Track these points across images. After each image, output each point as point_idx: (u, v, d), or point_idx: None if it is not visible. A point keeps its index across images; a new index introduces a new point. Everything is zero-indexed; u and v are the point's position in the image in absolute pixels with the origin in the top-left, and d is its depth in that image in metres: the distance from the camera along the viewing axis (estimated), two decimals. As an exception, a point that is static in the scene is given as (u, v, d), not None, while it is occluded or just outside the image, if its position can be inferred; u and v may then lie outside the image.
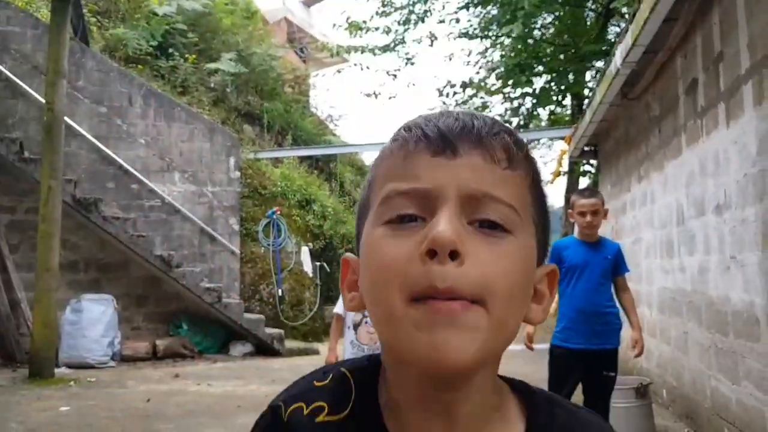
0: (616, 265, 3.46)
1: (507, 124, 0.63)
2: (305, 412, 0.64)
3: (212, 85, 11.69)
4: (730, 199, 3.54)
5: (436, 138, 0.58)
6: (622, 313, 3.57)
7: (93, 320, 7.63)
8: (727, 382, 3.66)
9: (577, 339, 3.36)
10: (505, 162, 0.58)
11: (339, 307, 3.52)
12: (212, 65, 11.70)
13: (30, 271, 7.56)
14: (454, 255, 0.54)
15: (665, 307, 5.03)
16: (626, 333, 3.60)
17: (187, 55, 11.26)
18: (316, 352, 9.21)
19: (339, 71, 13.82)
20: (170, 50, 11.29)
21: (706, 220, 3.96)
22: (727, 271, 3.61)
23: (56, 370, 6.83)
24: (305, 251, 10.67)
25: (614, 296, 3.48)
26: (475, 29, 12.79)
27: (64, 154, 7.30)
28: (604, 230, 7.84)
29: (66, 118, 7.33)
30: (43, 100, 7.35)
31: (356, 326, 3.43)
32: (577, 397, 3.52)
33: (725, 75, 3.55)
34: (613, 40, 8.31)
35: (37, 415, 5.05)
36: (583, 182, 15.07)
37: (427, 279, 0.53)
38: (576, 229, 3.68)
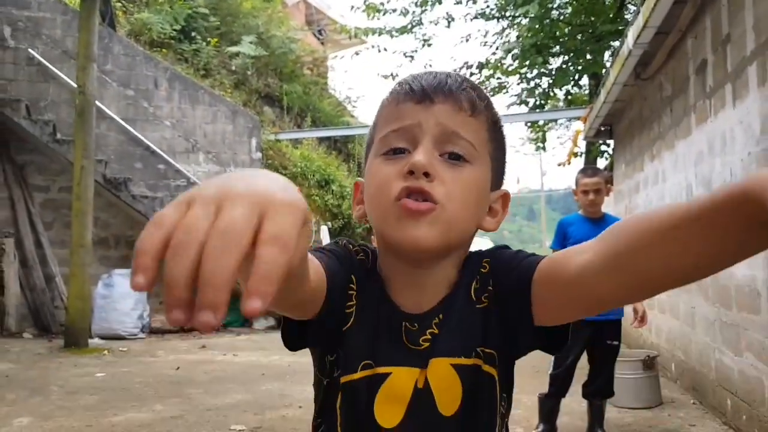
0: None
1: (473, 81, 0.86)
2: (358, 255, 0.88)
3: (233, 68, 11.92)
4: (736, 178, 3.67)
5: (419, 91, 0.80)
6: None
7: (123, 294, 7.99)
8: (730, 354, 3.82)
9: None
10: (469, 110, 0.80)
11: None
12: (233, 48, 11.92)
13: (63, 247, 7.93)
14: (426, 175, 0.76)
15: (674, 283, 5.19)
16: (629, 307, 3.75)
17: (209, 39, 11.48)
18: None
19: (357, 53, 13.92)
20: (193, 34, 11.52)
21: (713, 198, 4.09)
22: (731, 247, 3.76)
23: (90, 341, 7.21)
24: (324, 230, 10.93)
25: None
26: (492, 10, 12.80)
27: (95, 137, 7.60)
28: (619, 209, 7.96)
29: (96, 102, 7.62)
30: (74, 84, 7.64)
31: None
32: (582, 367, 3.72)
33: (732, 56, 3.67)
34: (629, 19, 8.31)
35: (75, 380, 5.39)
36: (601, 162, 15.10)
37: (405, 186, 0.77)
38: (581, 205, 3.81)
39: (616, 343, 3.61)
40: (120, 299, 7.99)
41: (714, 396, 4.16)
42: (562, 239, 3.60)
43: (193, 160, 9.78)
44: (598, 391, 3.68)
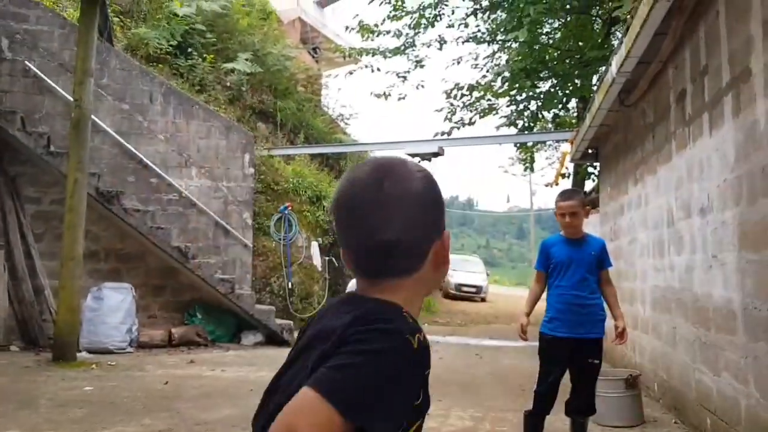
0: (600, 260, 3.66)
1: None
2: (422, 338, 0.95)
3: (228, 83, 12.04)
4: (712, 203, 3.82)
5: None
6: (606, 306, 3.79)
7: (113, 308, 8.00)
8: (710, 374, 3.93)
9: (562, 329, 3.59)
10: None
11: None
12: (229, 65, 12.05)
13: (53, 259, 7.95)
14: None
15: (657, 304, 5.31)
16: (611, 323, 3.84)
17: (205, 55, 11.62)
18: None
19: (351, 72, 14.10)
20: (189, 50, 11.65)
21: (692, 222, 4.24)
22: (709, 270, 3.89)
23: (78, 355, 7.20)
24: (315, 246, 11.01)
25: (597, 286, 3.67)
26: (483, 34, 13.06)
27: (88, 149, 7.66)
28: (604, 230, 8.11)
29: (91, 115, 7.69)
30: (69, 97, 7.73)
31: None
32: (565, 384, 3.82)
33: (709, 87, 3.83)
34: (615, 46, 8.54)
35: (64, 393, 5.41)
36: (588, 184, 15.30)
37: None
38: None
39: (596, 361, 3.65)
40: (109, 313, 7.99)
41: (695, 415, 4.26)
42: (546, 260, 3.71)
43: (186, 174, 9.85)
44: (580, 408, 3.74)
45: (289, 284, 10.47)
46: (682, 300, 4.54)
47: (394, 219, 0.98)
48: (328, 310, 1.09)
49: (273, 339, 9.19)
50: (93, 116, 8.35)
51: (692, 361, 4.29)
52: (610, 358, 7.61)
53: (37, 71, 8.80)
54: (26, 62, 8.76)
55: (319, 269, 11.01)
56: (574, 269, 3.58)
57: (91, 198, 8.01)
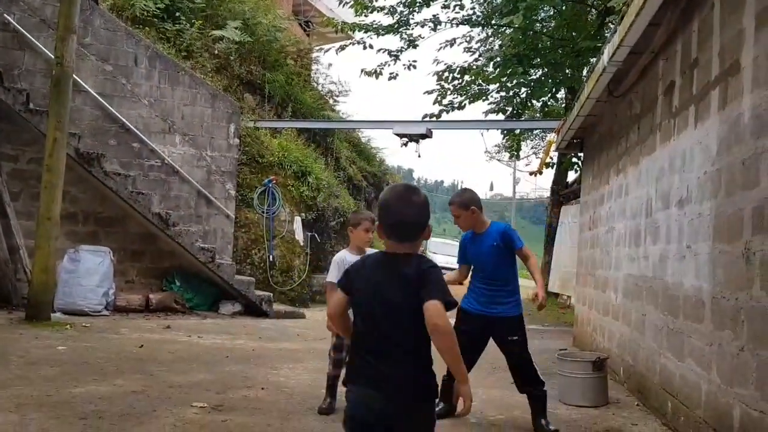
0: (507, 244, 3.92)
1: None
2: None
3: (216, 51, 11.86)
4: (691, 195, 3.89)
5: None
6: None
7: (90, 270, 7.94)
8: (674, 359, 4.04)
9: (475, 306, 3.98)
10: None
11: (332, 276, 3.79)
12: (217, 32, 11.86)
13: (29, 219, 7.84)
14: None
15: (629, 292, 5.42)
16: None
17: (193, 20, 11.41)
18: (302, 316, 9.59)
19: (343, 47, 13.95)
20: (177, 14, 11.43)
21: (670, 213, 4.31)
22: (682, 260, 3.98)
23: (52, 315, 7.14)
24: (298, 221, 11.00)
25: (510, 272, 4.00)
26: (478, 16, 13.00)
27: (69, 109, 7.52)
28: (584, 219, 8.22)
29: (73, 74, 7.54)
30: (51, 54, 7.55)
31: None
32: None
33: (698, 79, 3.88)
34: (608, 37, 8.56)
35: (36, 351, 5.38)
36: (571, 175, 15.44)
37: None
38: None
39: (516, 338, 3.90)
40: (85, 275, 7.93)
41: (656, 398, 4.39)
42: (463, 255, 4.14)
43: (169, 141, 9.74)
44: (525, 382, 3.98)
45: (271, 257, 10.46)
46: (653, 288, 4.63)
47: (415, 212, 2.04)
48: (379, 263, 2.07)
49: (251, 309, 9.20)
50: (75, 75, 8.17)
51: (658, 347, 4.40)
52: (579, 342, 7.78)
53: (16, 25, 8.58)
54: (5, 15, 8.54)
55: (301, 244, 11.01)
56: (482, 260, 3.96)
57: (71, 159, 7.89)
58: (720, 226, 3.35)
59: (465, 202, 3.97)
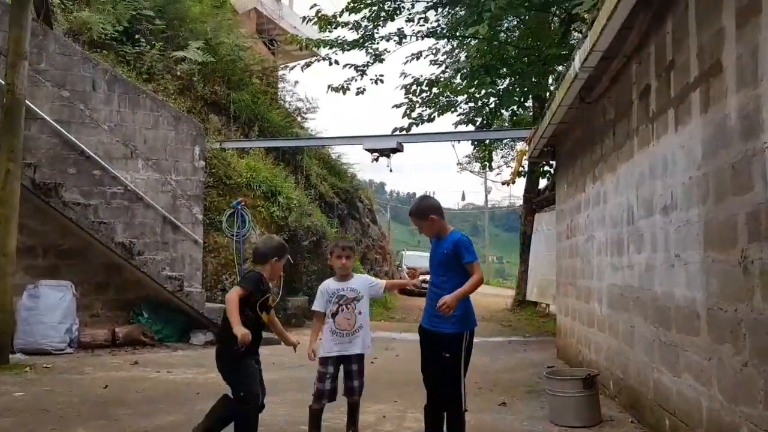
0: (456, 256, 3.66)
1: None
2: None
3: (179, 73, 11.55)
4: (677, 201, 3.76)
5: None
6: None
7: (50, 306, 7.53)
8: (669, 374, 3.88)
9: (424, 319, 3.82)
10: None
11: (318, 305, 3.98)
12: (179, 53, 11.57)
13: (-15, 255, 7.39)
14: None
15: (614, 303, 5.27)
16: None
17: (153, 42, 11.10)
18: (277, 342, 9.20)
19: (308, 64, 13.76)
20: (137, 36, 11.12)
21: (654, 220, 4.18)
22: (671, 269, 3.84)
23: (11, 356, 6.72)
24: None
25: (456, 285, 3.61)
26: (443, 29, 12.96)
27: (24, 138, 7.16)
28: (561, 228, 8.12)
29: (27, 101, 7.19)
30: (3, 82, 7.19)
31: (334, 315, 3.92)
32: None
33: (675, 82, 3.77)
34: (574, 44, 8.57)
35: (-10, 400, 4.98)
36: (542, 182, 15.45)
37: None
38: None
39: (447, 355, 3.60)
40: (46, 311, 7.51)
41: (652, 415, 4.21)
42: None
43: (132, 166, 9.37)
44: (444, 400, 3.65)
45: (242, 282, 10.11)
46: (641, 299, 4.49)
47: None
48: None
49: (224, 339, 8.83)
50: (29, 102, 7.82)
51: (651, 361, 4.25)
52: (563, 355, 7.63)
53: (-34, 53, 8.19)
54: (-46, 43, 8.13)
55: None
56: (433, 267, 3.80)
57: (27, 190, 7.50)
58: (711, 234, 3.21)
59: (423, 212, 3.81)
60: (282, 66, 17.14)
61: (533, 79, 11.63)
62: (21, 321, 7.41)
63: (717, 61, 3.12)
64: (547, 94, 11.87)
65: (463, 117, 13.29)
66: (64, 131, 8.77)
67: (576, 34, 12.73)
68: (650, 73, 4.25)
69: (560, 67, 10.95)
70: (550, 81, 12.39)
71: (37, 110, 8.52)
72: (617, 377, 5.16)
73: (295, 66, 15.11)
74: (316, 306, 3.97)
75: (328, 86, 13.04)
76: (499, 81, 12.30)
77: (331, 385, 3.88)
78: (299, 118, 16.27)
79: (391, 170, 12.72)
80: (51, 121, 8.69)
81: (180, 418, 4.54)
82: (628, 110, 4.81)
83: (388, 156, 11.53)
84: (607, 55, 4.76)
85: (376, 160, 11.61)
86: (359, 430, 4.08)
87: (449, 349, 3.63)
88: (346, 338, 3.90)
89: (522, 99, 12.86)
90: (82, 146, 8.88)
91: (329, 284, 4.02)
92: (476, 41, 11.64)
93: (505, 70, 11.89)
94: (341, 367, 3.93)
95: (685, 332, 3.60)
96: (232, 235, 10.29)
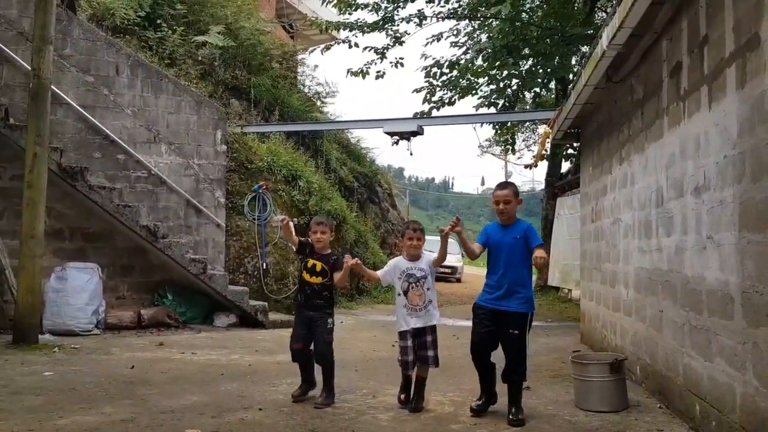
0: (527, 241, 4.17)
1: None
2: None
3: (200, 58, 11.57)
4: (709, 181, 3.65)
5: None
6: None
7: (78, 288, 7.65)
8: (700, 359, 3.79)
9: (490, 301, 4.22)
10: None
11: (385, 276, 4.52)
12: (200, 38, 11.57)
13: (14, 238, 7.53)
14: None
15: (641, 287, 5.18)
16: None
17: (175, 27, 11.11)
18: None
19: (328, 47, 13.67)
20: (158, 21, 11.13)
21: (685, 202, 4.07)
22: (703, 251, 3.74)
23: (40, 337, 6.85)
24: (290, 226, 10.70)
25: (526, 270, 4.22)
26: (463, 9, 12.76)
27: (50, 123, 7.23)
28: (585, 211, 7.99)
29: (52, 86, 7.25)
30: (29, 67, 7.25)
31: (405, 292, 4.33)
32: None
33: (709, 58, 3.64)
34: (598, 24, 8.39)
35: (20, 379, 5.08)
36: (564, 166, 15.22)
37: None
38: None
39: (516, 332, 4.10)
40: (74, 293, 7.63)
41: (681, 400, 4.14)
42: (485, 239, 4.35)
43: (155, 150, 9.44)
44: (508, 374, 4.20)
45: (264, 265, 10.18)
46: (670, 282, 4.39)
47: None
48: None
49: (247, 320, 8.92)
50: (55, 88, 7.90)
51: (680, 346, 4.16)
52: (587, 340, 7.54)
53: (-7, 39, 8.29)
54: (-19, 29, 8.23)
55: (295, 249, 10.72)
56: (503, 252, 4.19)
57: (54, 174, 7.60)
58: (747, 214, 3.11)
59: (516, 191, 4.33)
60: (301, 50, 17.05)
61: (556, 60, 11.40)
62: (49, 303, 7.55)
63: (755, 35, 2.99)
64: (571, 75, 11.65)
65: (484, 100, 13.13)
66: (89, 116, 8.85)
67: (601, 13, 12.45)
68: (682, 50, 4.11)
69: (584, 48, 10.73)
70: (573, 62, 12.15)
71: (63, 95, 8.60)
72: (644, 362, 5.08)
73: (314, 50, 15.00)
74: (381, 274, 4.54)
75: (348, 70, 12.96)
76: (521, 62, 12.09)
77: (413, 356, 4.32)
78: (318, 103, 16.21)
79: (411, 153, 12.75)
80: (76, 106, 8.77)
81: (204, 398, 4.59)
82: (658, 89, 4.67)
83: (408, 139, 11.44)
84: (636, 32, 4.62)
85: (396, 143, 11.53)
86: (423, 408, 4.33)
87: (518, 326, 4.09)
88: (418, 312, 4.30)
89: (545, 80, 12.62)
90: (107, 131, 8.96)
91: (400, 262, 4.42)
92: (498, 21, 11.44)
93: (527, 51, 11.67)
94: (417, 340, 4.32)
95: (717, 316, 3.51)
96: (254, 219, 10.33)
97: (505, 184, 4.37)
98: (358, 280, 12.83)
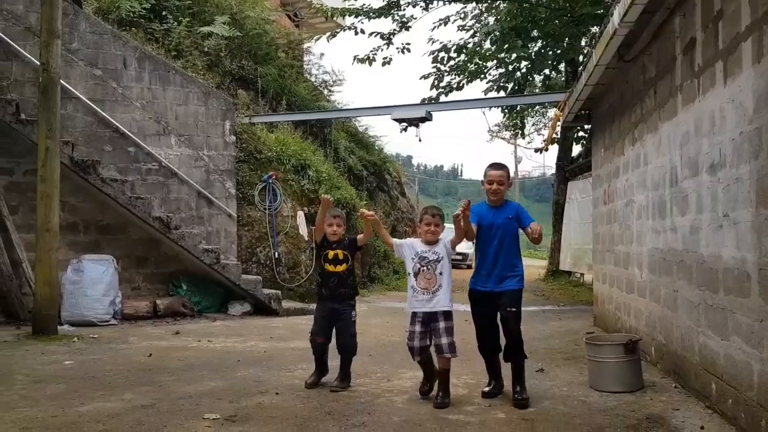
0: (518, 220, 4.20)
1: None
2: None
3: (206, 49, 11.56)
4: (725, 158, 3.61)
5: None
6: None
7: (94, 280, 7.74)
8: (716, 338, 3.78)
9: (484, 283, 4.21)
10: None
11: (399, 250, 4.37)
12: (206, 29, 11.55)
13: (30, 232, 7.62)
14: None
15: (655, 267, 5.15)
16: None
17: (180, 18, 11.09)
18: (312, 312, 9.33)
19: (334, 34, 13.61)
20: (164, 13, 11.12)
21: (700, 180, 4.04)
22: (719, 230, 3.71)
23: (59, 328, 6.96)
24: (301, 215, 10.74)
25: (518, 248, 4.27)
26: (470, -10, 12.65)
27: (61, 117, 7.28)
28: (598, 194, 7.95)
29: (61, 81, 7.28)
30: (38, 62, 7.29)
31: (416, 275, 4.20)
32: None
33: (724, 33, 3.59)
34: (609, 2, 8.26)
35: (42, 368, 5.17)
36: (575, 150, 15.12)
37: None
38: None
39: (514, 310, 4.10)
40: (90, 285, 7.73)
41: (697, 380, 4.13)
42: (477, 219, 4.21)
43: (165, 143, 9.48)
44: (510, 351, 4.18)
45: (276, 254, 10.23)
46: (685, 262, 4.37)
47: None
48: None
49: (261, 309, 8.99)
50: (64, 82, 7.94)
51: (696, 325, 4.15)
52: (601, 322, 7.53)
53: (2, 35, 8.33)
54: (-11, 25, 8.27)
55: (306, 238, 10.76)
56: (495, 233, 4.18)
57: (66, 168, 7.66)
58: (764, 191, 3.08)
59: (509, 174, 4.31)
60: (307, 38, 16.98)
61: (566, 42, 11.29)
62: (67, 294, 7.65)
63: (772, 7, 2.95)
64: (581, 57, 11.53)
65: (492, 84, 13.04)
66: (98, 109, 8.90)
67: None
68: (695, 25, 4.06)
69: (594, 28, 10.61)
70: (583, 43, 12.03)
71: (72, 89, 8.65)
72: (659, 343, 5.07)
73: (320, 37, 14.93)
74: (396, 242, 4.38)
75: (354, 57, 12.91)
76: (530, 44, 11.97)
77: (420, 343, 4.17)
78: (326, 91, 16.16)
79: (420, 140, 12.57)
80: (86, 100, 8.82)
81: (221, 384, 4.64)
82: (671, 66, 4.62)
83: (417, 125, 11.40)
84: (648, 8, 4.56)
85: (405, 130, 11.50)
86: (451, 403, 4.10)
87: (515, 304, 4.11)
88: (426, 296, 4.15)
89: (555, 62, 12.51)
90: (117, 124, 9.01)
91: (416, 244, 4.27)
92: (506, 3, 11.33)
93: (536, 32, 11.55)
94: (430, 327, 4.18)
95: (734, 294, 3.49)
96: (265, 209, 10.37)
97: (500, 165, 4.30)
98: (369, 268, 12.86)
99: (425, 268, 4.15)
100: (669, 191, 4.75)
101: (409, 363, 4.73)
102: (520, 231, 4.27)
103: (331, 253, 4.53)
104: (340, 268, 4.52)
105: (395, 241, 4.41)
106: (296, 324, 8.14)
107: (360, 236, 4.64)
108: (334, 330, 4.57)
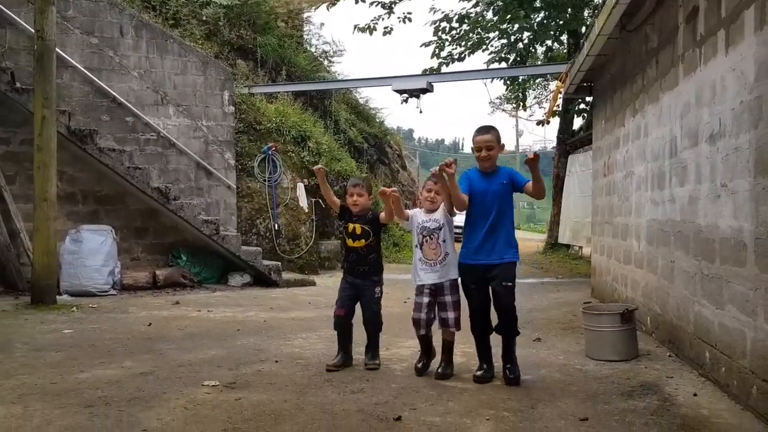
0: (513, 183, 3.90)
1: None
2: None
3: (204, 17, 11.40)
4: (725, 128, 3.58)
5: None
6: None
7: (93, 250, 7.76)
8: (711, 307, 3.80)
9: (479, 256, 3.90)
10: None
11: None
12: (204, -4, 11.38)
13: (27, 202, 7.61)
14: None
15: (653, 238, 5.16)
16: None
17: (178, -15, 10.92)
18: (312, 284, 9.42)
19: (333, 3, 13.41)
20: (160, -21, 10.93)
21: (699, 150, 4.01)
22: (717, 200, 3.70)
23: (58, 298, 7.00)
24: (301, 187, 10.73)
25: (512, 217, 3.98)
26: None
27: (57, 86, 7.21)
28: (598, 165, 7.92)
29: (57, 49, 7.20)
30: (32, 29, 7.19)
31: (420, 246, 4.07)
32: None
33: (727, 0, 3.53)
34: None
35: (41, 336, 5.21)
36: (576, 123, 15.00)
37: None
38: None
39: (510, 284, 3.83)
40: (89, 255, 7.75)
41: (691, 348, 4.17)
42: (467, 187, 3.95)
43: (163, 113, 9.41)
44: (504, 325, 3.93)
45: (276, 226, 10.24)
46: (682, 232, 4.37)
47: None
48: None
49: (261, 280, 9.04)
50: (60, 50, 7.85)
51: (691, 295, 4.17)
52: (598, 293, 7.57)
53: (-4, 1, 8.20)
54: (-18, -9, 8.14)
55: (306, 210, 10.77)
56: (488, 200, 3.88)
57: (63, 137, 7.62)
58: (762, 160, 3.06)
59: (499, 137, 3.94)
60: (306, 7, 16.72)
61: (569, 12, 11.12)
62: (65, 264, 7.67)
63: (776, -28, 2.89)
64: (584, 28, 11.37)
65: (494, 55, 12.88)
66: (95, 78, 8.81)
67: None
68: (699, -7, 3.98)
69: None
70: (586, 14, 11.86)
71: (68, 57, 8.55)
72: (655, 313, 5.11)
73: (319, 6, 14.71)
74: (411, 217, 4.16)
75: (355, 26, 12.75)
76: (533, 15, 11.79)
77: (427, 315, 4.03)
78: (326, 62, 15.99)
79: (420, 111, 12.49)
80: (82, 69, 8.73)
81: (221, 352, 4.68)
82: (673, 36, 4.55)
83: (417, 97, 11.31)
84: (652, -24, 4.48)
85: (406, 101, 11.41)
86: (454, 373, 4.06)
87: (511, 278, 3.84)
88: (433, 267, 4.01)
89: (557, 33, 12.35)
90: (114, 93, 8.93)
91: (418, 214, 4.13)
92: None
93: (539, 3, 11.38)
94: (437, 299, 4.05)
95: (730, 263, 3.50)
96: (264, 180, 10.35)
97: (486, 129, 3.92)
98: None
99: (428, 237, 4.00)
100: (668, 162, 4.73)
101: (408, 333, 4.78)
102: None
103: (350, 227, 4.23)
104: (359, 243, 4.21)
105: (408, 212, 4.20)
106: (296, 295, 8.20)
107: (382, 214, 4.24)
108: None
